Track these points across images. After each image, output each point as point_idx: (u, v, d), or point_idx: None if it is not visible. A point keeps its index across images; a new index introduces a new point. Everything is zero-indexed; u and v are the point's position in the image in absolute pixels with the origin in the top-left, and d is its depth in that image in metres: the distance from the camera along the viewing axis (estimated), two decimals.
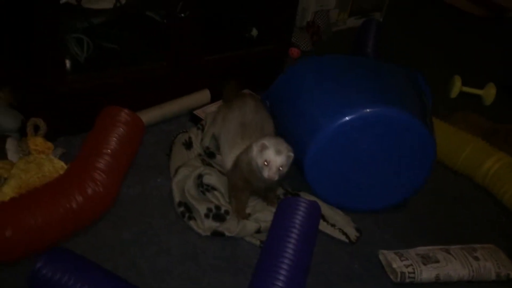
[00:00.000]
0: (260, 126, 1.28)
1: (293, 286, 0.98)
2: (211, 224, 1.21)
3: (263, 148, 1.15)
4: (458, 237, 1.30)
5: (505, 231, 1.38)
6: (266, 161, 1.14)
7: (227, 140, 1.29)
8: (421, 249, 1.22)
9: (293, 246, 1.01)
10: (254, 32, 1.71)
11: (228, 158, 1.28)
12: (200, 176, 1.26)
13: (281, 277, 0.97)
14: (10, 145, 1.24)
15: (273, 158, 1.15)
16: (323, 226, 1.25)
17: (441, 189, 1.47)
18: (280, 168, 1.15)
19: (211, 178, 1.26)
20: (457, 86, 1.93)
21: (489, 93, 1.93)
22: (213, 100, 1.62)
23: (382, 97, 1.23)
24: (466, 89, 1.95)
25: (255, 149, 1.17)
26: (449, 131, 1.52)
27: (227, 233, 1.18)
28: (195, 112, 1.57)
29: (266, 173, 1.15)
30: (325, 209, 1.28)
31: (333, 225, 1.25)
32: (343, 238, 1.23)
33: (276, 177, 1.15)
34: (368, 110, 1.20)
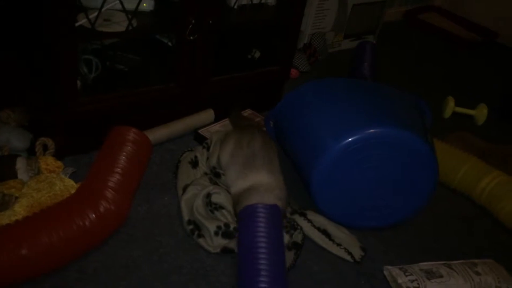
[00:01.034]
0: (267, 161, 1.31)
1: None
2: (220, 242, 1.23)
3: None
4: (459, 253, 1.34)
5: (503, 247, 1.42)
6: None
7: (235, 170, 1.32)
8: (425, 265, 1.25)
9: (265, 252, 1.07)
10: (257, 54, 1.76)
11: (235, 186, 1.30)
12: (208, 195, 1.28)
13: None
14: (20, 164, 1.25)
15: None
16: (328, 245, 1.28)
17: (440, 207, 1.51)
18: None
19: (219, 197, 1.28)
20: (450, 107, 2.00)
21: (481, 113, 2.00)
22: (217, 119, 1.66)
23: (385, 118, 1.28)
24: (459, 109, 2.02)
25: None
26: (446, 151, 1.57)
27: (236, 250, 1.20)
28: (199, 131, 1.60)
29: None
30: (332, 227, 1.31)
31: (339, 244, 1.28)
32: (348, 258, 1.26)
33: None
34: (372, 130, 1.24)
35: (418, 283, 1.18)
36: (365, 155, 1.25)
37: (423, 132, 1.31)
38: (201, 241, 1.23)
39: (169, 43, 1.64)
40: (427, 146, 1.26)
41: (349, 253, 1.27)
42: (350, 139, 1.24)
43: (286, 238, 1.23)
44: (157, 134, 1.51)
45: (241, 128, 1.45)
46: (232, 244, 1.21)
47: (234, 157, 1.34)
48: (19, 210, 1.14)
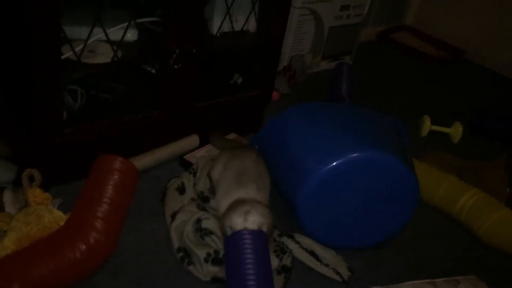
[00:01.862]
0: (256, 177, 1.33)
1: None
2: (210, 269, 1.24)
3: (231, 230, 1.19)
4: (441, 270, 1.38)
5: (484, 263, 1.47)
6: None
7: (223, 186, 1.34)
8: (410, 284, 1.29)
9: (253, 279, 1.09)
10: (239, 79, 1.79)
11: (222, 203, 1.32)
12: (199, 221, 1.30)
13: None
14: (7, 197, 1.25)
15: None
16: (316, 266, 1.31)
17: (420, 225, 1.56)
18: None
19: (209, 223, 1.30)
20: (426, 125, 2.06)
21: (456, 131, 2.07)
22: (201, 144, 1.68)
23: (367, 141, 1.32)
24: (435, 127, 2.09)
25: (228, 232, 1.20)
26: (424, 170, 1.63)
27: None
28: (185, 157, 1.62)
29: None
30: (318, 249, 1.34)
31: (326, 265, 1.31)
32: (337, 277, 1.29)
33: None
34: (355, 154, 1.28)
35: None
36: (349, 178, 1.29)
37: (402, 153, 1.36)
38: (191, 268, 1.24)
39: (153, 70, 1.66)
40: (406, 166, 1.31)
41: (338, 273, 1.30)
42: (334, 164, 1.28)
43: (276, 261, 1.25)
44: (142, 161, 1.52)
45: (233, 147, 1.48)
46: (222, 273, 1.23)
47: (225, 170, 1.36)
48: (8, 244, 1.13)
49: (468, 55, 3.00)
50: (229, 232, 1.19)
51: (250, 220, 1.18)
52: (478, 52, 2.96)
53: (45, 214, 1.21)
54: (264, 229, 1.19)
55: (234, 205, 1.24)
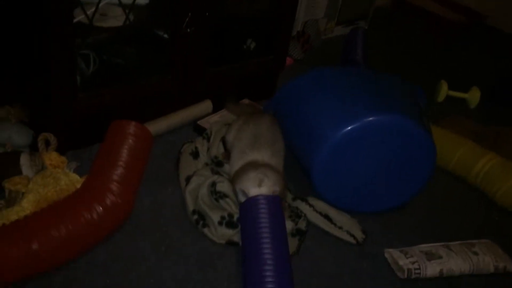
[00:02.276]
0: (271, 142, 1.33)
1: (281, 280, 1.05)
2: (224, 232, 1.25)
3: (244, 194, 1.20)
4: (456, 234, 1.37)
5: (499, 227, 1.47)
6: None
7: (237, 148, 1.34)
8: (424, 247, 1.29)
9: (268, 242, 1.09)
10: (252, 44, 1.77)
11: (235, 165, 1.33)
12: (213, 184, 1.30)
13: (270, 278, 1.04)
14: (24, 161, 1.26)
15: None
16: (331, 228, 1.32)
17: (436, 190, 1.55)
18: None
19: (223, 186, 1.30)
20: (444, 90, 2.03)
21: (473, 96, 2.03)
22: (215, 110, 1.67)
23: (383, 105, 1.30)
24: (452, 93, 2.05)
25: (240, 195, 1.22)
26: (441, 135, 1.61)
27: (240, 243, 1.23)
28: (198, 122, 1.62)
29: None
30: (333, 212, 1.34)
31: (340, 228, 1.31)
32: (351, 239, 1.30)
33: None
34: (371, 118, 1.26)
35: (418, 265, 1.22)
36: (365, 142, 1.28)
37: (420, 117, 1.34)
38: (206, 231, 1.26)
39: (165, 35, 1.64)
40: (425, 131, 1.29)
41: (352, 235, 1.30)
42: (349, 128, 1.26)
43: (291, 225, 1.26)
44: (156, 126, 1.53)
45: (249, 113, 1.48)
46: (236, 237, 1.24)
47: (239, 133, 1.37)
48: (27, 206, 1.15)
49: (487, 20, 2.91)
50: (241, 195, 1.21)
51: (264, 188, 1.18)
52: (498, 16, 2.86)
53: (61, 177, 1.23)
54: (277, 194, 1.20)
55: (247, 168, 1.24)
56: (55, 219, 1.09)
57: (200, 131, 1.58)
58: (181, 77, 1.53)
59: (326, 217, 1.33)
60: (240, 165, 1.29)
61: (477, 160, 1.55)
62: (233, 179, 1.26)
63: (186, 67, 1.52)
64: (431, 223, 1.44)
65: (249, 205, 1.18)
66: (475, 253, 1.27)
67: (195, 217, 1.28)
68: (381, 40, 2.49)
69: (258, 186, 1.18)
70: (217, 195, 1.29)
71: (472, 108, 2.04)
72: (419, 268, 1.22)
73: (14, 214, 1.12)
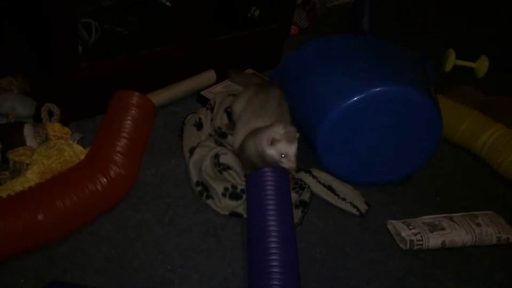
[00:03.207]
0: (277, 113, 1.32)
1: (286, 252, 1.05)
2: (228, 203, 1.26)
3: (274, 142, 1.20)
4: (460, 206, 1.38)
5: (503, 199, 1.46)
6: (283, 154, 1.20)
7: (243, 117, 1.34)
8: (427, 218, 1.29)
9: (274, 215, 1.10)
10: (257, 12, 1.73)
11: (238, 135, 1.32)
12: (217, 156, 1.30)
13: (274, 257, 1.03)
14: (28, 131, 1.26)
15: (289, 149, 1.20)
16: (334, 199, 1.32)
17: (441, 161, 1.54)
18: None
19: (227, 158, 1.30)
20: (451, 60, 1.99)
21: (481, 65, 2.00)
22: (218, 80, 1.65)
23: (389, 75, 1.28)
24: (460, 62, 2.01)
25: (265, 142, 1.21)
26: (447, 105, 1.59)
27: (245, 215, 1.23)
28: (202, 93, 1.60)
29: (287, 165, 1.21)
30: (336, 184, 1.34)
31: (343, 199, 1.32)
32: (353, 211, 1.30)
33: (295, 166, 1.22)
34: (377, 89, 1.24)
35: (421, 236, 1.22)
36: (370, 113, 1.27)
37: (427, 87, 1.32)
38: (209, 202, 1.26)
39: (168, 3, 1.61)
40: (431, 101, 1.27)
41: (355, 207, 1.31)
42: (355, 98, 1.24)
43: (294, 196, 1.26)
44: (159, 97, 1.51)
45: (258, 84, 1.47)
46: (240, 208, 1.24)
47: (247, 104, 1.36)
48: (32, 177, 1.15)
49: None
50: (276, 156, 1.20)
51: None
52: None
53: (65, 148, 1.23)
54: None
55: (247, 136, 1.25)
56: (59, 190, 1.09)
57: (203, 101, 1.57)
58: (185, 46, 1.51)
59: (330, 188, 1.33)
60: (244, 133, 1.29)
61: (482, 131, 1.53)
62: (239, 152, 1.26)
63: (189, 36, 1.49)
64: (435, 195, 1.44)
65: (254, 177, 1.18)
66: (478, 225, 1.27)
67: (199, 188, 1.28)
68: (388, 9, 2.43)
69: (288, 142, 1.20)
70: (220, 167, 1.29)
71: (480, 78, 2.01)
72: (422, 240, 1.22)
73: (19, 185, 1.13)
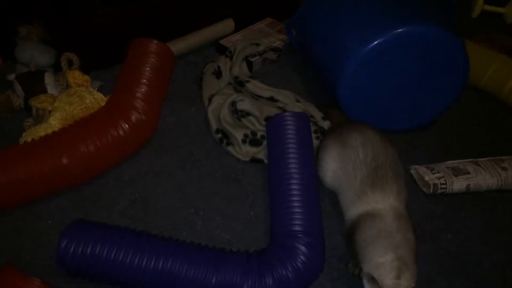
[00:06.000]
0: (393, 171, 1.06)
1: (308, 194, 1.04)
2: (248, 149, 1.26)
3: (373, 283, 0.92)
4: (486, 152, 1.34)
5: None
6: None
7: (351, 188, 1.06)
8: (451, 163, 1.27)
9: (295, 157, 1.08)
10: None
11: (350, 208, 1.06)
12: (233, 103, 1.29)
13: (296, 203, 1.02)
14: (49, 79, 1.27)
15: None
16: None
17: (466, 108, 1.50)
18: None
19: (244, 104, 1.29)
20: (479, 5, 1.91)
21: (511, 10, 1.91)
22: (237, 29, 1.62)
23: (413, 16, 1.23)
24: (488, 7, 1.93)
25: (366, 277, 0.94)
26: (473, 50, 1.52)
27: (266, 160, 1.23)
28: (220, 42, 1.58)
29: None
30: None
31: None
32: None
33: None
34: (399, 30, 1.20)
35: (445, 180, 1.21)
36: (393, 56, 1.22)
37: (451, 28, 1.27)
38: (230, 149, 1.26)
39: None
40: (458, 40, 1.22)
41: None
42: (376, 42, 1.20)
43: (316, 143, 1.25)
44: (177, 45, 1.50)
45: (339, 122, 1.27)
46: (260, 154, 1.24)
47: (344, 161, 1.12)
48: (54, 123, 1.17)
49: None
50: (368, 282, 0.93)
51: (404, 282, 0.91)
52: None
53: (86, 95, 1.23)
54: None
55: (374, 233, 0.97)
56: (82, 135, 1.10)
57: (222, 50, 1.55)
58: None
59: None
60: (359, 210, 1.02)
61: (510, 76, 1.48)
62: (355, 244, 0.99)
63: None
64: (460, 141, 1.41)
65: (275, 122, 1.16)
66: (504, 169, 1.24)
67: (219, 135, 1.28)
68: None
69: (396, 278, 0.91)
70: (238, 114, 1.28)
71: (509, 23, 1.93)
72: (445, 183, 1.20)
73: (42, 130, 1.14)
